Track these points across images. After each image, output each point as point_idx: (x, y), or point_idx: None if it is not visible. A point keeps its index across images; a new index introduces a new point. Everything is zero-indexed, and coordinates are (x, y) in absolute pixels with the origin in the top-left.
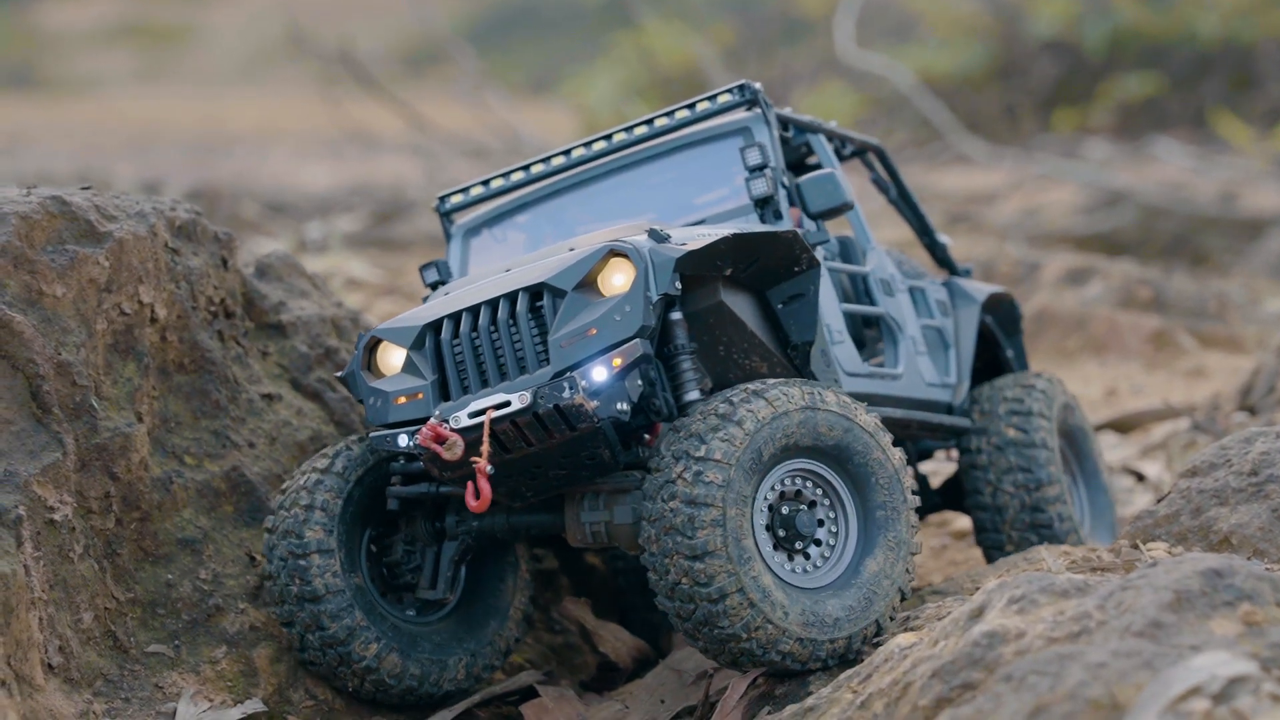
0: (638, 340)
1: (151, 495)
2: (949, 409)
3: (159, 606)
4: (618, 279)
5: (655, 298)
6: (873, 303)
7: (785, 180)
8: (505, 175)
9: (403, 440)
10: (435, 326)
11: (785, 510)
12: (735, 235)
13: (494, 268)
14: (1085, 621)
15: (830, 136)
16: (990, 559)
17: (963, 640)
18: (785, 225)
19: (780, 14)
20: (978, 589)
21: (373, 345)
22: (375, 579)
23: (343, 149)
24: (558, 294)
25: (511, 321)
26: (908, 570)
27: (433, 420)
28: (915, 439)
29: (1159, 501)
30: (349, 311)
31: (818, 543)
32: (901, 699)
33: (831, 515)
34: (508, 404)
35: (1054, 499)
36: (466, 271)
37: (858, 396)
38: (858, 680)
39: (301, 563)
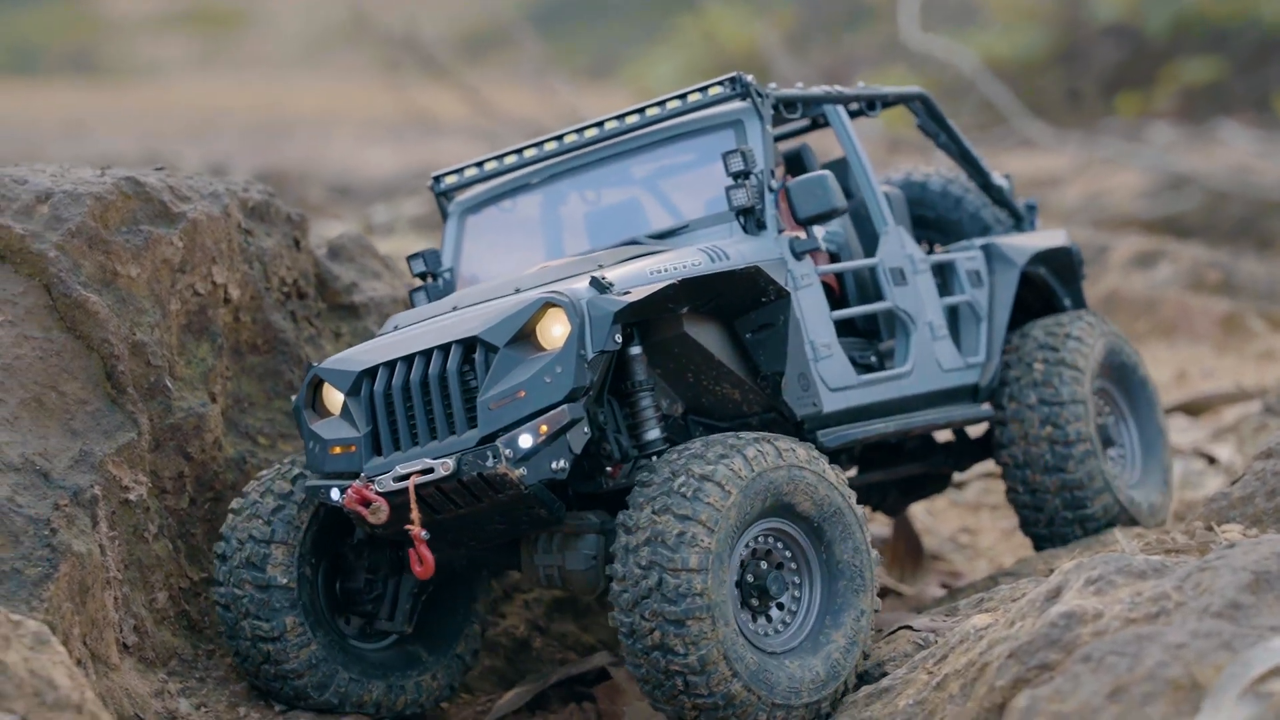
0: (565, 407)
1: (225, 475)
2: (974, 390)
3: None
4: (556, 330)
5: (591, 355)
6: (880, 295)
7: (773, 184)
8: (499, 158)
9: (334, 495)
10: (372, 373)
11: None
12: (685, 280)
13: (443, 306)
14: (1163, 602)
15: (854, 100)
16: (1023, 520)
17: (1040, 621)
18: (769, 235)
19: None
20: (1052, 571)
21: (316, 383)
22: (327, 596)
23: (404, 133)
24: (490, 349)
25: (443, 376)
26: (869, 628)
27: (358, 483)
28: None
29: (1233, 484)
30: None
31: (780, 606)
32: (978, 680)
33: (796, 581)
34: (432, 470)
35: (1083, 456)
36: (460, 255)
37: (847, 411)
38: (933, 661)
39: (263, 595)
